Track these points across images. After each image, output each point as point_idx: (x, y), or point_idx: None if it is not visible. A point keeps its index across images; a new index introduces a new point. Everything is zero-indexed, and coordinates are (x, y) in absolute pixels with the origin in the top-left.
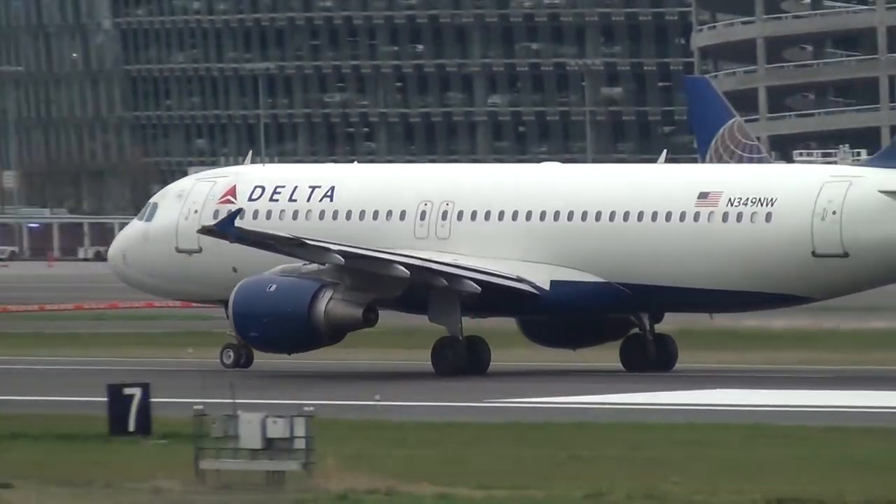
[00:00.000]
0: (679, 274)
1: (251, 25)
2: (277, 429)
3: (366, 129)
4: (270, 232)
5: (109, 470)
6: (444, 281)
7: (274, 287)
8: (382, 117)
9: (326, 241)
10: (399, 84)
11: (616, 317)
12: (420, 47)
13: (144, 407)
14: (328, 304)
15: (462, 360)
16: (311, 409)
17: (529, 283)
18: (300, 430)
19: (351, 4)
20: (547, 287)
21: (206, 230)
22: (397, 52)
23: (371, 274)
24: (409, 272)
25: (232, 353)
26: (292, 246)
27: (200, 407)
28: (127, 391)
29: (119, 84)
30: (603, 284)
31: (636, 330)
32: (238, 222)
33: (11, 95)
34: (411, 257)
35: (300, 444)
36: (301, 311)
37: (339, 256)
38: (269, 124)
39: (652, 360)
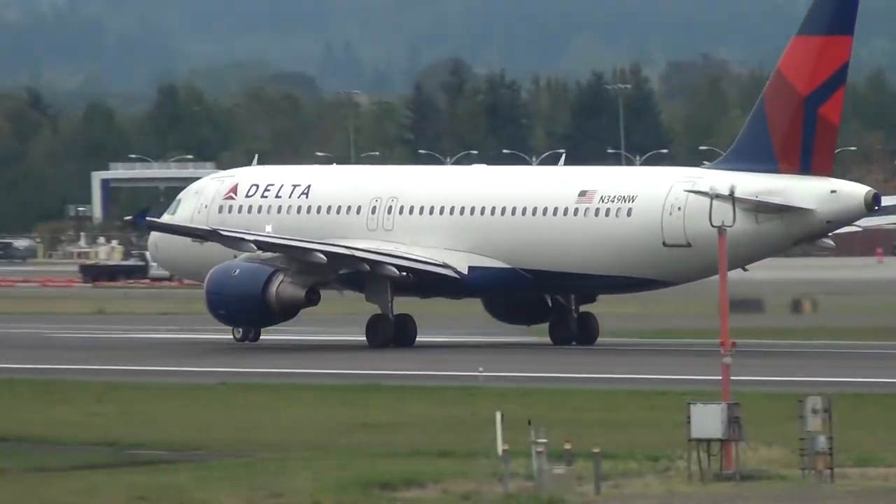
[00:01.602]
0: (564, 261)
1: None
2: None
3: None
4: (178, 224)
5: None
6: (367, 266)
7: (237, 272)
8: None
9: (240, 231)
10: None
11: (558, 299)
12: None
13: None
14: (278, 286)
15: (390, 335)
16: None
17: (452, 268)
18: None
19: None
20: (466, 272)
21: (127, 221)
22: None
23: (305, 260)
24: (325, 258)
25: (241, 329)
26: (210, 236)
27: None
28: None
29: None
30: (508, 270)
31: (571, 310)
32: (238, 214)
33: None
34: (331, 245)
35: None
36: (256, 292)
37: (253, 245)
38: None
39: (575, 336)
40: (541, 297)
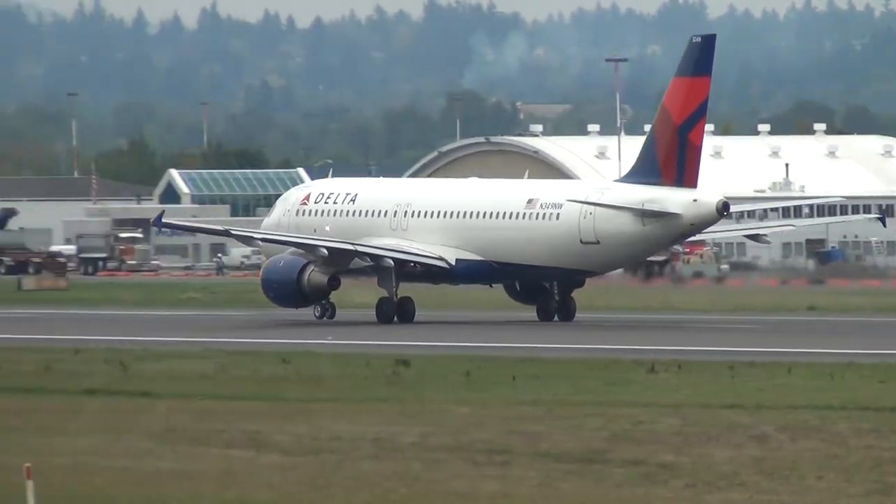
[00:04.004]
0: (517, 255)
1: None
2: None
3: None
4: (190, 224)
5: None
6: (368, 258)
7: (282, 263)
8: None
9: (249, 230)
10: None
11: (543, 284)
12: None
13: None
14: (309, 274)
15: (393, 313)
16: None
17: (445, 260)
18: None
19: None
20: (454, 263)
21: (151, 223)
22: None
23: (315, 254)
24: (327, 252)
25: (319, 309)
26: (225, 234)
27: None
28: None
29: None
30: (482, 262)
31: (554, 294)
32: (308, 217)
33: None
34: (333, 241)
35: None
36: (293, 279)
37: (259, 241)
38: None
39: (556, 314)
40: (541, 286)
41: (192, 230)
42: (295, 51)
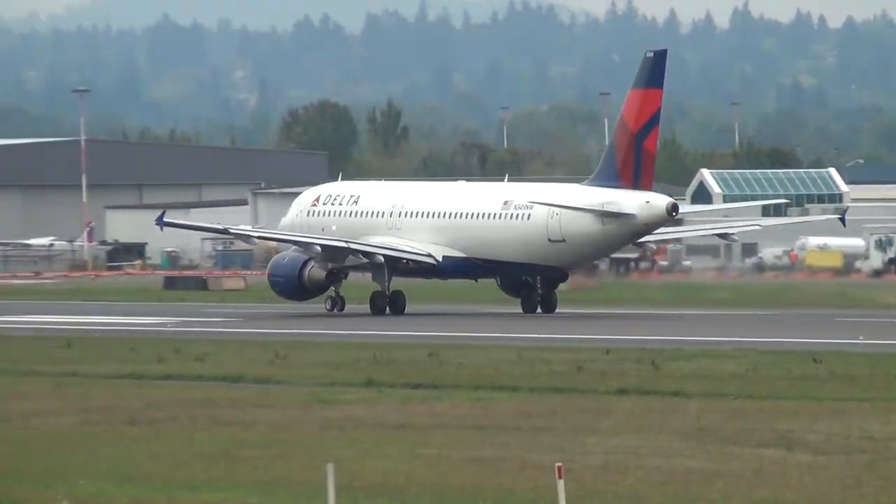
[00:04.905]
0: (496, 252)
1: None
2: None
3: None
4: (188, 223)
5: None
6: (362, 256)
7: (286, 259)
8: None
9: (248, 229)
10: None
11: (527, 280)
12: None
13: None
14: (310, 270)
15: (385, 305)
16: None
17: (433, 257)
18: None
19: None
20: (441, 259)
21: (155, 222)
22: None
23: (311, 251)
24: (320, 249)
25: (329, 302)
26: (224, 233)
27: None
28: None
29: None
30: (466, 258)
31: (536, 288)
32: (317, 217)
33: None
34: (326, 239)
35: None
36: (295, 274)
37: (255, 239)
38: None
39: (538, 307)
40: (526, 281)
41: (192, 228)
42: (826, 50)
